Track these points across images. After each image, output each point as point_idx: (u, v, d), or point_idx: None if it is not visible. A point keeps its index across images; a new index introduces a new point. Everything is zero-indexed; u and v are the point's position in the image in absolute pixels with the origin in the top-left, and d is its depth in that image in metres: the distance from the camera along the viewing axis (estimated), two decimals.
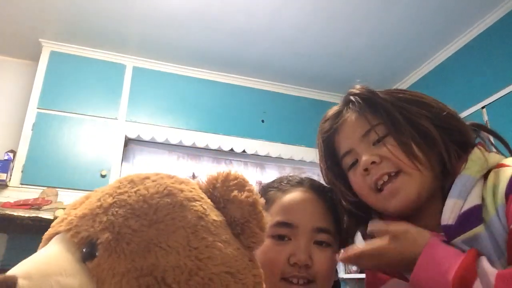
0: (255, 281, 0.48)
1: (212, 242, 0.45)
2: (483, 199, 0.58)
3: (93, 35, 2.60)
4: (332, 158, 0.75)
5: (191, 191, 0.49)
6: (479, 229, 0.56)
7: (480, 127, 0.70)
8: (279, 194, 0.77)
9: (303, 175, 0.84)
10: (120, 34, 2.59)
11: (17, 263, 0.41)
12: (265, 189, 0.81)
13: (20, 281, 0.37)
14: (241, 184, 0.51)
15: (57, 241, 0.46)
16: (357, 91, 0.73)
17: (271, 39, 2.64)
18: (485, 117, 2.30)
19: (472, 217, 0.57)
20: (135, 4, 2.34)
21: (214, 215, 0.48)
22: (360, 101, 0.70)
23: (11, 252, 2.27)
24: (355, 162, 0.69)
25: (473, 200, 0.58)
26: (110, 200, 0.46)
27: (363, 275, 2.74)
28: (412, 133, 0.64)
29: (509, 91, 2.19)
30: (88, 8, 2.36)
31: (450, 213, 0.59)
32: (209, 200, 0.50)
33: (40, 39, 2.62)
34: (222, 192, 0.51)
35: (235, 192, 0.50)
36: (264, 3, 2.33)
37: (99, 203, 0.47)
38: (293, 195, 0.76)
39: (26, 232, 2.20)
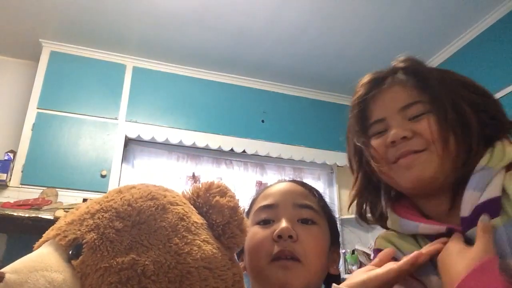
0: (235, 279, 0.51)
1: (192, 240, 0.48)
2: (504, 191, 0.56)
3: (93, 35, 2.61)
4: (361, 124, 0.70)
5: (174, 197, 0.52)
6: (496, 221, 0.54)
7: None
8: (265, 189, 0.81)
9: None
10: (120, 34, 2.59)
11: None
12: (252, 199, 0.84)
13: (8, 275, 0.40)
14: (223, 191, 0.54)
15: (46, 245, 0.49)
16: (406, 63, 0.70)
17: (271, 39, 2.64)
18: None
19: (489, 209, 0.55)
20: (135, 4, 2.34)
21: (196, 218, 0.51)
22: (408, 73, 0.67)
23: (11, 252, 2.28)
24: (383, 131, 0.66)
25: (491, 191, 0.56)
26: (97, 206, 0.50)
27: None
28: (453, 119, 0.61)
29: (509, 91, 2.19)
30: (88, 8, 2.37)
31: (466, 205, 0.57)
32: (191, 206, 0.53)
33: (40, 39, 2.62)
34: (205, 198, 0.54)
35: (217, 197, 0.53)
36: (264, 3, 2.33)
37: (87, 210, 0.50)
38: (275, 185, 0.80)
39: (26, 232, 2.20)
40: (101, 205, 0.50)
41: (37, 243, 0.51)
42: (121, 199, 0.50)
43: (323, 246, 0.72)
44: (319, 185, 3.09)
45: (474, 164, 0.59)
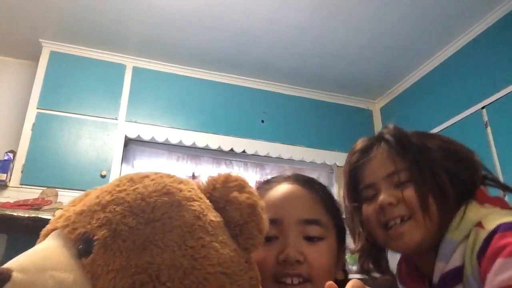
0: (251, 283, 0.47)
1: (208, 242, 0.45)
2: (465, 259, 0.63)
3: (93, 35, 2.60)
4: (354, 188, 0.78)
5: (189, 191, 0.48)
6: None
7: (489, 178, 0.74)
8: (265, 192, 0.74)
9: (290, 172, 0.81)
10: (120, 34, 2.59)
11: None
12: (258, 189, 0.76)
13: (15, 274, 0.37)
14: (241, 186, 0.50)
15: (53, 237, 0.45)
16: (391, 132, 0.77)
17: (271, 39, 2.63)
18: (485, 118, 2.30)
19: (451, 278, 0.63)
20: (135, 4, 2.34)
21: (212, 216, 0.48)
22: (392, 143, 0.74)
23: (11, 252, 2.27)
24: (373, 196, 0.73)
25: (454, 261, 0.63)
26: (108, 197, 0.46)
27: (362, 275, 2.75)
28: (432, 186, 0.68)
29: (509, 91, 2.19)
30: (88, 8, 2.36)
31: (436, 274, 0.65)
32: (207, 201, 0.50)
33: (40, 39, 2.62)
34: (222, 192, 0.50)
35: (235, 193, 0.50)
36: (264, 3, 2.32)
37: (97, 200, 0.46)
38: (277, 189, 0.73)
39: (26, 232, 2.20)
40: (112, 195, 0.46)
41: (45, 230, 0.48)
42: (134, 191, 0.46)
43: (330, 261, 0.68)
44: None
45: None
